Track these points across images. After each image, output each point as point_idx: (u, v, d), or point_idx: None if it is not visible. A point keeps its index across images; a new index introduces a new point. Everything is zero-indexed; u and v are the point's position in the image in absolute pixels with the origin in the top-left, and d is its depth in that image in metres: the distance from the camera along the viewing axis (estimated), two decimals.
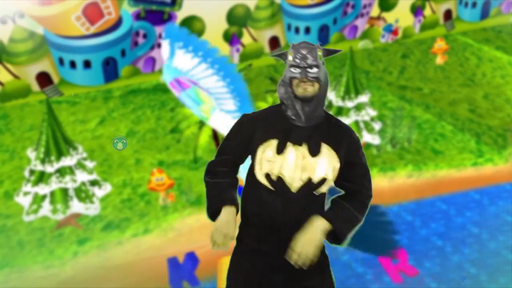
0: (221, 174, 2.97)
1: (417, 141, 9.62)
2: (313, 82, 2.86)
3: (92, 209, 7.15)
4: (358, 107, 8.53)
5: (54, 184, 6.89)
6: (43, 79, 10.77)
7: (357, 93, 8.46)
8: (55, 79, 10.87)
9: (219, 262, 5.85)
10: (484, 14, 14.62)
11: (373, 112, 8.76)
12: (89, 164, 7.35)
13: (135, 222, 7.70)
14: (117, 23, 10.91)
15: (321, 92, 2.91)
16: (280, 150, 2.89)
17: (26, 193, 7.17)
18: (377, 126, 8.88)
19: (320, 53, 2.91)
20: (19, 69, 10.51)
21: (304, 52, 2.87)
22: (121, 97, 11.04)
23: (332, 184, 3.11)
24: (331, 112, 8.84)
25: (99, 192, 7.33)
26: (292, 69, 2.86)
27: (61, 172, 6.95)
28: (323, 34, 12.91)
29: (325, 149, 2.96)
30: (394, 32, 13.73)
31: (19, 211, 7.78)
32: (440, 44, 12.49)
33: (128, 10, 10.91)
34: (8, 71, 10.43)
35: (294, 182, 2.91)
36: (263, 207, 2.94)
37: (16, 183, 8.40)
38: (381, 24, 13.58)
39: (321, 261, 3.09)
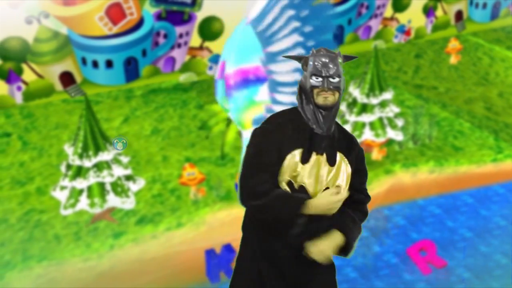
0: (271, 190, 2.86)
1: (436, 138, 9.81)
2: (334, 91, 2.82)
3: (128, 203, 7.30)
4: (383, 104, 8.71)
5: (92, 179, 7.03)
6: (66, 78, 10.93)
7: (381, 90, 8.63)
8: (78, 78, 11.03)
9: None
10: (494, 15, 14.85)
11: (396, 109, 8.94)
12: (124, 159, 7.51)
13: (167, 216, 7.84)
14: (139, 23, 11.08)
15: (340, 100, 2.90)
16: (304, 159, 2.87)
17: (63, 188, 7.32)
18: (399, 122, 9.06)
19: (340, 61, 2.86)
20: (43, 69, 10.67)
21: (325, 60, 2.81)
22: (143, 96, 11.21)
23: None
24: (355, 109, 9.06)
25: (133, 187, 7.49)
26: (314, 78, 2.80)
27: (98, 166, 7.10)
28: (338, 34, 13.10)
29: (340, 158, 2.96)
30: (407, 33, 13.94)
31: (52, 206, 7.93)
32: (454, 44, 12.70)
33: (150, 10, 11.08)
34: (33, 71, 10.59)
35: (315, 191, 2.91)
36: None
37: (47, 179, 8.55)
38: (394, 25, 13.78)
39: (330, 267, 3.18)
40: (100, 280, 7.06)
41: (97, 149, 7.12)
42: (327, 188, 2.95)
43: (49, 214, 7.86)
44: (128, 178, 7.58)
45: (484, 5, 14.61)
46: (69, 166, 7.30)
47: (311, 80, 2.80)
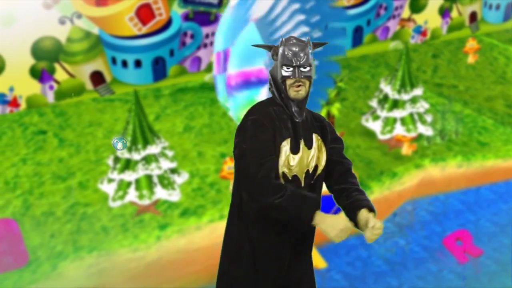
0: (283, 185, 2.76)
1: (462, 134, 10.07)
2: (305, 81, 2.78)
3: (174, 195, 7.52)
4: (413, 100, 8.96)
5: (141, 171, 7.25)
6: (97, 78, 11.15)
7: (412, 86, 8.89)
8: (108, 78, 11.25)
9: None
10: (507, 16, 15.17)
11: (426, 105, 9.20)
12: (169, 152, 7.73)
13: (209, 209, 8.06)
14: (167, 24, 11.31)
15: (310, 88, 2.85)
16: (294, 149, 2.84)
17: (110, 180, 7.53)
18: (428, 118, 9.32)
19: (311, 49, 2.80)
20: (74, 68, 10.88)
21: (295, 49, 2.76)
22: (171, 95, 11.43)
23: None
24: (387, 105, 9.32)
25: (178, 180, 7.70)
26: (285, 68, 2.76)
27: (146, 159, 7.32)
28: (357, 35, 13.38)
29: (315, 139, 2.95)
30: (423, 33, 14.22)
31: (96, 200, 8.14)
32: (471, 44, 12.99)
33: (178, 11, 11.32)
34: (65, 70, 10.80)
35: (303, 176, 2.89)
36: None
37: (87, 174, 8.76)
38: (411, 26, 14.07)
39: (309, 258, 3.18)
40: (149, 270, 7.28)
41: (146, 143, 7.34)
42: (308, 170, 2.93)
43: (94, 207, 8.07)
44: (173, 171, 7.80)
45: (498, 7, 14.93)
46: (116, 159, 7.51)
47: (282, 71, 2.78)
